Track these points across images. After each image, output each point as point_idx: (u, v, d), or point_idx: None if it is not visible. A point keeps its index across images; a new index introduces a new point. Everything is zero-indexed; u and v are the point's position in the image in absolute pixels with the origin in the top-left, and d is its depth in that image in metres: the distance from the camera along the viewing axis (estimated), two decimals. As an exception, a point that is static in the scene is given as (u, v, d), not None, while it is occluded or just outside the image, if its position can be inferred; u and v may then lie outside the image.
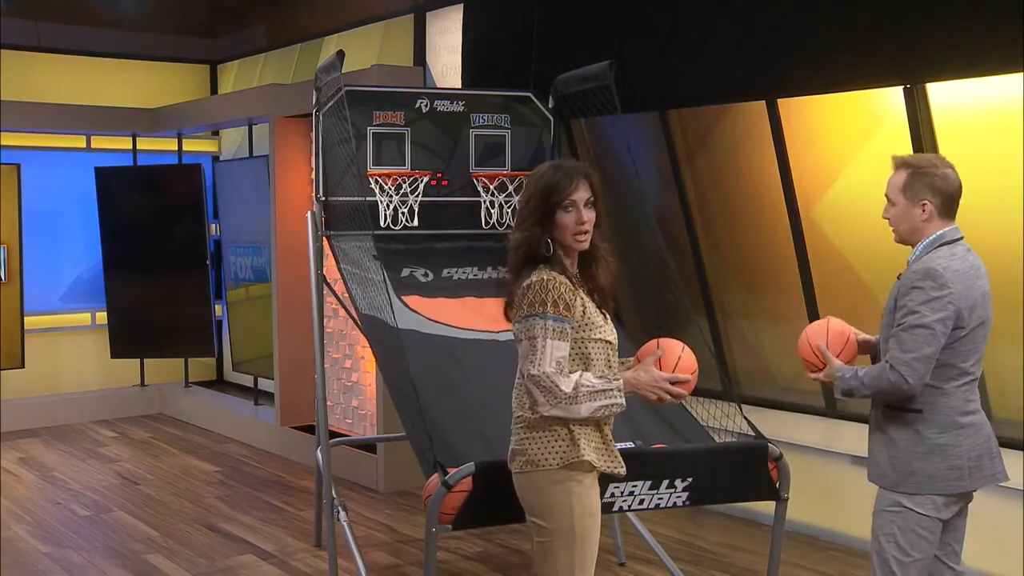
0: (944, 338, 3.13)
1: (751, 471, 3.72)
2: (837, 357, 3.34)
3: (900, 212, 3.28)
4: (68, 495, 6.71)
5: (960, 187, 3.28)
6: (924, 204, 3.23)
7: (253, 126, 8.75)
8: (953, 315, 3.14)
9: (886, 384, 3.15)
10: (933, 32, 4.80)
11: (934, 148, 5.04)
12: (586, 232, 3.02)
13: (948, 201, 3.25)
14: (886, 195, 3.34)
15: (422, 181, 5.23)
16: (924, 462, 3.19)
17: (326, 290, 5.40)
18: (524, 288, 2.97)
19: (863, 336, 3.45)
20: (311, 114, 5.15)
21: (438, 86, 7.55)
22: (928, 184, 3.23)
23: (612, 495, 3.49)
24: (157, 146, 9.49)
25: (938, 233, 3.25)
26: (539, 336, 2.91)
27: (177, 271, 8.99)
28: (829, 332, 3.39)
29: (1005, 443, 5.09)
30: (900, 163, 3.31)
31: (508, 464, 3.09)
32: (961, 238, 3.28)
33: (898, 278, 3.32)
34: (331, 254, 5.03)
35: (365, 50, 8.23)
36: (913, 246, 3.31)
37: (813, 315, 5.56)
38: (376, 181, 5.15)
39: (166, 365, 9.62)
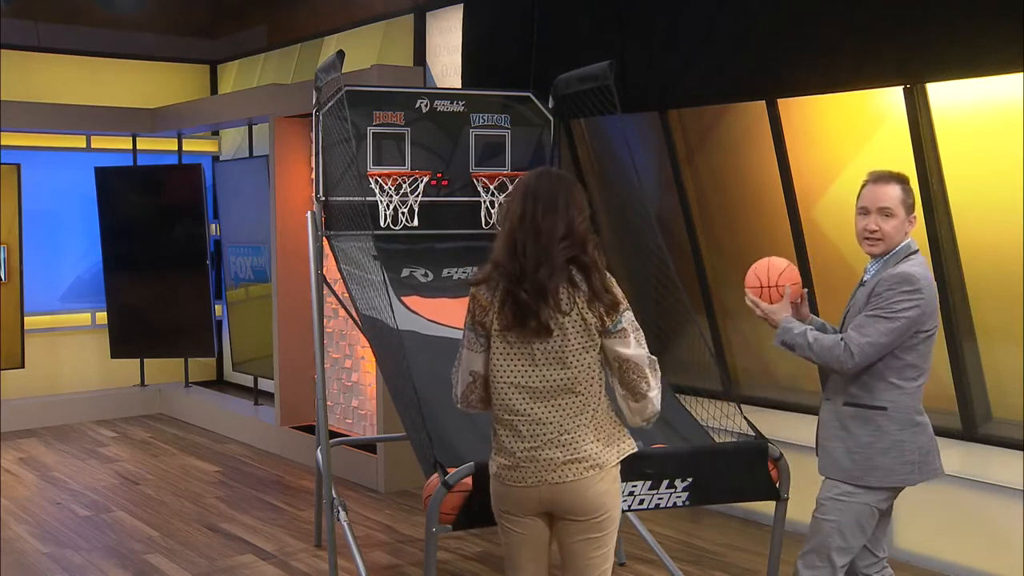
0: (903, 337, 3.30)
1: (751, 471, 3.72)
2: (770, 297, 3.52)
3: (899, 224, 3.41)
4: (68, 495, 6.71)
5: None
6: (913, 217, 3.44)
7: (253, 126, 8.75)
8: (919, 317, 3.30)
9: (832, 357, 3.33)
10: (933, 32, 4.80)
11: (934, 148, 5.04)
12: None
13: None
14: (883, 207, 3.41)
15: (422, 181, 5.23)
16: (885, 456, 3.37)
17: (326, 290, 5.40)
18: (612, 281, 3.00)
19: (806, 308, 3.61)
20: (311, 114, 5.15)
21: (438, 86, 7.55)
22: (912, 197, 3.45)
23: (612, 495, 3.49)
24: (157, 146, 9.49)
25: (907, 242, 3.42)
26: (637, 327, 3.02)
27: (177, 271, 8.99)
28: (786, 271, 3.58)
29: (1005, 443, 5.13)
30: (891, 177, 3.45)
31: (551, 476, 2.97)
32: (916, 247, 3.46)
33: (861, 284, 3.44)
34: (331, 254, 5.03)
35: (365, 50, 8.23)
36: (876, 257, 3.43)
37: (813, 315, 5.55)
38: (376, 181, 5.15)
39: (166, 365, 9.62)
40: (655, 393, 3.03)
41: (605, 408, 3.04)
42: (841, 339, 3.34)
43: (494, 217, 5.38)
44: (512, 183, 5.37)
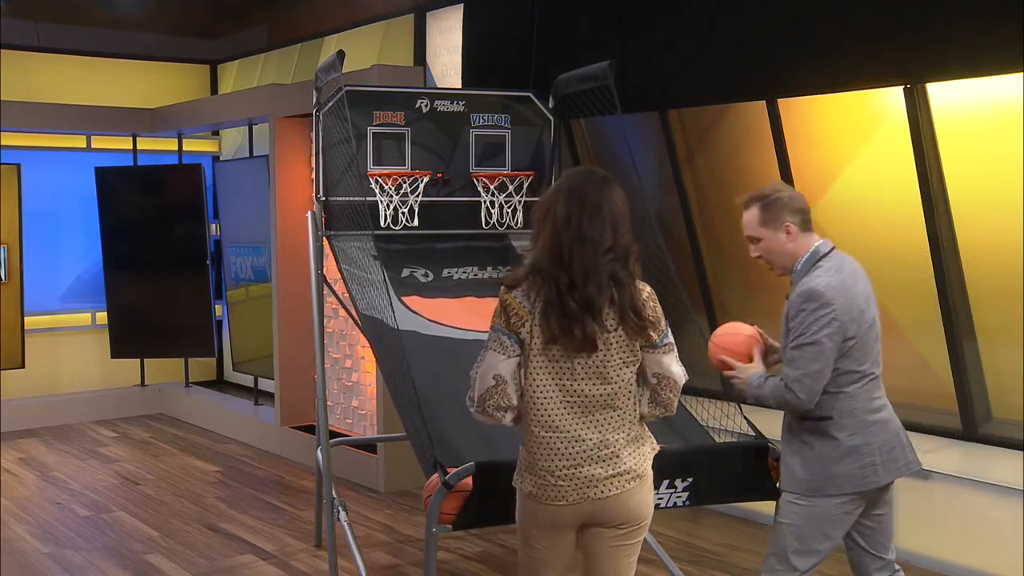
0: (834, 352, 3.25)
1: (751, 471, 3.72)
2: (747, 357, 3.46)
3: (768, 244, 3.39)
4: (68, 495, 6.71)
5: (803, 199, 3.42)
6: (787, 227, 3.35)
7: (253, 126, 8.75)
8: (839, 329, 3.24)
9: (782, 400, 3.30)
10: (933, 32, 4.80)
11: (934, 148, 5.04)
12: None
13: (806, 216, 3.39)
14: (747, 236, 3.43)
15: (422, 181, 5.22)
16: (840, 464, 3.31)
17: (326, 290, 5.40)
18: (651, 296, 2.95)
19: (770, 341, 3.54)
20: (311, 114, 5.15)
21: (438, 86, 7.55)
22: (783, 207, 3.36)
23: (612, 495, 3.49)
24: (157, 146, 9.49)
25: (812, 249, 3.36)
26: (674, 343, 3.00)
27: (177, 271, 8.99)
28: (738, 338, 3.52)
29: (1005, 443, 5.13)
30: (746, 201, 3.42)
31: (593, 493, 2.90)
32: (833, 248, 3.38)
33: (787, 298, 3.40)
34: (331, 254, 5.03)
35: (365, 50, 8.23)
36: (790, 272, 3.39)
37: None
38: (376, 181, 5.15)
39: (166, 365, 9.62)
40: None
41: (637, 419, 2.98)
42: (780, 378, 3.29)
43: (494, 217, 5.38)
44: (512, 183, 5.39)
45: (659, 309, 2.94)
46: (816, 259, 3.33)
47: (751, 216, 3.40)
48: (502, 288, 2.93)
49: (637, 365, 2.92)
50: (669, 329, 2.96)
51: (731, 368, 3.48)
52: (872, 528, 3.47)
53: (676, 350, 2.98)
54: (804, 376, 3.23)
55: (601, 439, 2.89)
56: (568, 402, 2.88)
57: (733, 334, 3.55)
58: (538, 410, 2.89)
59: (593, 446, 2.88)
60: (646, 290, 2.93)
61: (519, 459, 3.00)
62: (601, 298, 2.82)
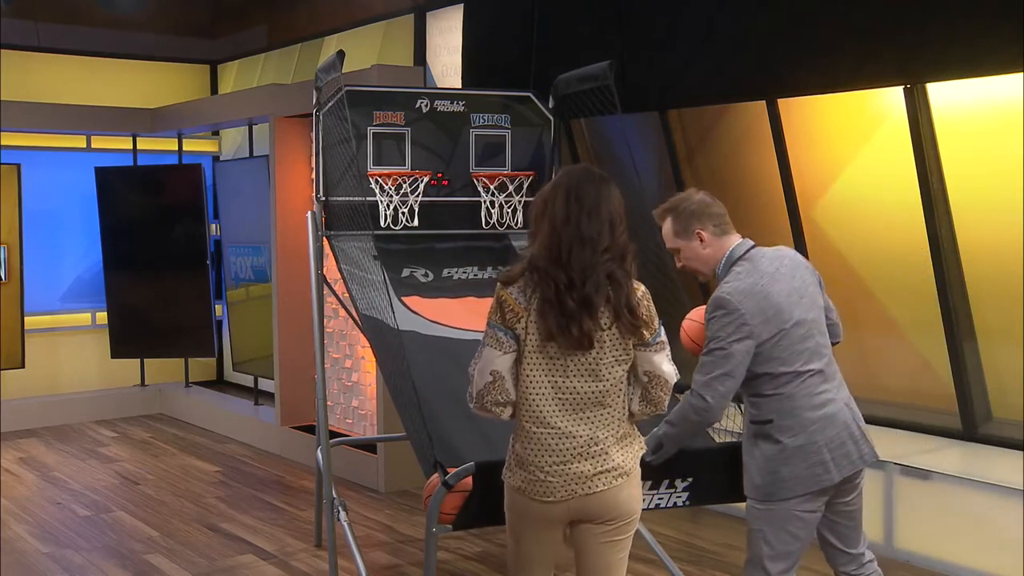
0: (745, 356, 3.21)
1: (751, 471, 3.71)
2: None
3: (686, 254, 3.39)
4: (68, 495, 6.71)
5: (715, 202, 3.38)
6: (699, 234, 3.34)
7: (253, 126, 8.75)
8: (748, 334, 3.20)
9: (689, 410, 3.27)
10: (933, 32, 4.80)
11: (934, 148, 5.04)
12: None
13: (720, 219, 3.36)
14: (669, 250, 3.43)
15: (422, 181, 5.23)
16: (787, 467, 3.27)
17: (326, 290, 5.40)
18: (645, 295, 2.96)
19: None
20: (311, 114, 5.15)
21: (438, 86, 7.55)
22: (691, 215, 3.34)
23: (612, 495, 3.49)
24: (157, 146, 9.49)
25: (727, 253, 3.34)
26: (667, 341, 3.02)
27: (177, 271, 8.99)
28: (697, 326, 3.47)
29: (1005, 443, 5.13)
30: (659, 213, 3.42)
31: (581, 488, 2.92)
32: (752, 247, 3.35)
33: None
34: (331, 254, 5.03)
35: (365, 50, 8.23)
36: (716, 277, 3.38)
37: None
38: (376, 181, 5.15)
39: (166, 365, 9.62)
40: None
41: (626, 417, 3.00)
42: (692, 387, 3.28)
43: (494, 217, 5.38)
44: (512, 183, 5.39)
45: (652, 308, 2.96)
46: (731, 263, 3.32)
47: (666, 228, 3.41)
48: (498, 284, 2.95)
49: (629, 363, 2.94)
50: (662, 328, 2.98)
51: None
52: (836, 522, 3.43)
53: (668, 349, 2.99)
54: (712, 379, 3.21)
55: (591, 436, 2.91)
56: (560, 399, 2.90)
57: (698, 318, 3.51)
58: (530, 406, 2.92)
59: (583, 443, 2.91)
60: (640, 289, 2.95)
61: (508, 454, 3.02)
62: (599, 297, 2.84)
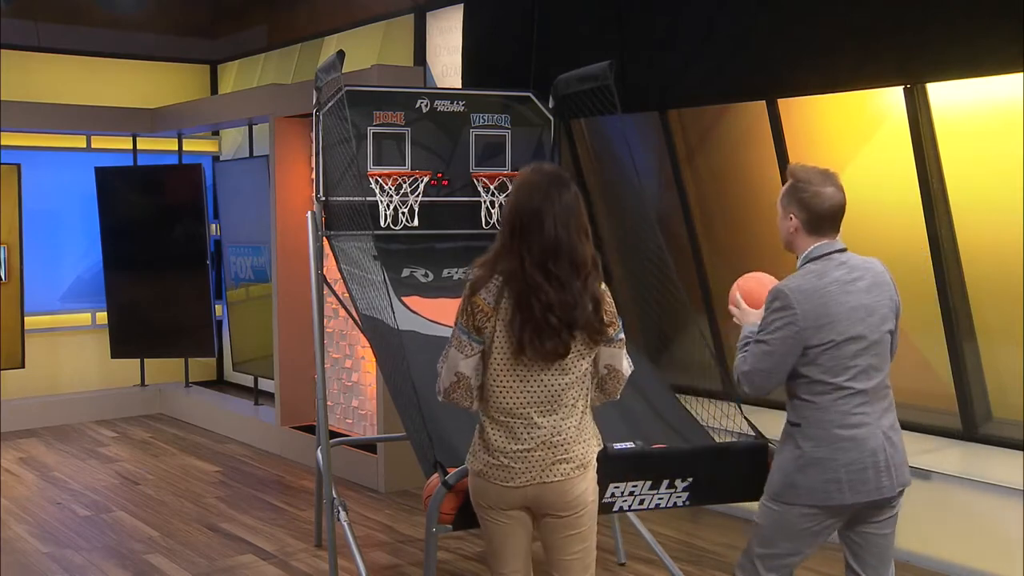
0: (786, 356, 3.16)
1: (751, 471, 3.71)
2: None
3: (779, 221, 3.33)
4: (68, 495, 6.71)
5: (837, 206, 3.26)
6: (790, 217, 3.25)
7: (253, 126, 8.75)
8: (795, 334, 3.13)
9: (737, 376, 3.30)
10: (933, 32, 4.80)
11: (934, 148, 5.04)
12: None
13: (816, 219, 3.23)
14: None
15: (422, 181, 5.23)
16: (802, 474, 3.20)
17: (326, 290, 5.40)
18: (606, 292, 3.04)
19: None
20: (311, 114, 5.15)
21: (438, 86, 7.55)
22: (797, 199, 3.24)
23: (612, 495, 3.49)
24: (157, 146, 9.49)
25: (808, 249, 3.26)
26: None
27: (177, 271, 8.99)
28: (760, 286, 3.46)
29: (1005, 443, 5.13)
30: (789, 172, 3.33)
31: (540, 476, 3.00)
32: (832, 252, 3.25)
33: None
34: (331, 254, 5.03)
35: (365, 50, 8.23)
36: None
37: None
38: (376, 181, 5.15)
39: (166, 365, 9.62)
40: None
41: (586, 410, 3.11)
42: (734, 369, 3.29)
43: (494, 217, 5.38)
44: (512, 183, 5.39)
45: (614, 306, 3.07)
46: (807, 259, 3.25)
47: (783, 188, 3.31)
48: (467, 287, 3.01)
49: (592, 356, 3.06)
50: (621, 325, 3.09)
51: (737, 306, 3.46)
52: (859, 544, 3.34)
53: (626, 347, 3.14)
54: (752, 372, 3.21)
55: (554, 426, 3.01)
56: (527, 390, 2.99)
57: (757, 280, 3.51)
58: (497, 398, 3.02)
59: (547, 432, 3.01)
60: (601, 287, 3.03)
61: (473, 439, 3.13)
62: (578, 311, 2.91)
